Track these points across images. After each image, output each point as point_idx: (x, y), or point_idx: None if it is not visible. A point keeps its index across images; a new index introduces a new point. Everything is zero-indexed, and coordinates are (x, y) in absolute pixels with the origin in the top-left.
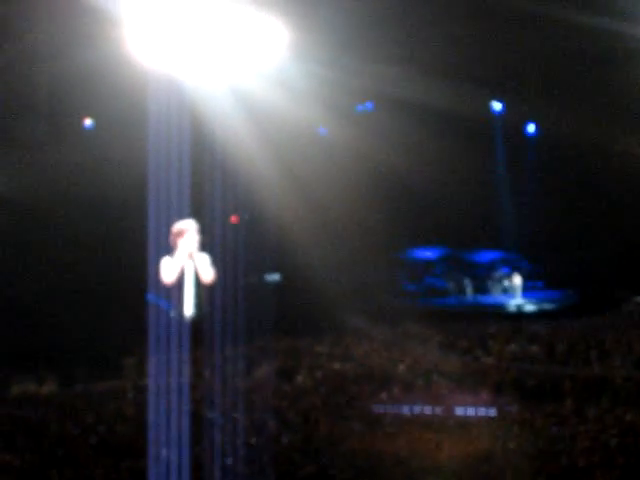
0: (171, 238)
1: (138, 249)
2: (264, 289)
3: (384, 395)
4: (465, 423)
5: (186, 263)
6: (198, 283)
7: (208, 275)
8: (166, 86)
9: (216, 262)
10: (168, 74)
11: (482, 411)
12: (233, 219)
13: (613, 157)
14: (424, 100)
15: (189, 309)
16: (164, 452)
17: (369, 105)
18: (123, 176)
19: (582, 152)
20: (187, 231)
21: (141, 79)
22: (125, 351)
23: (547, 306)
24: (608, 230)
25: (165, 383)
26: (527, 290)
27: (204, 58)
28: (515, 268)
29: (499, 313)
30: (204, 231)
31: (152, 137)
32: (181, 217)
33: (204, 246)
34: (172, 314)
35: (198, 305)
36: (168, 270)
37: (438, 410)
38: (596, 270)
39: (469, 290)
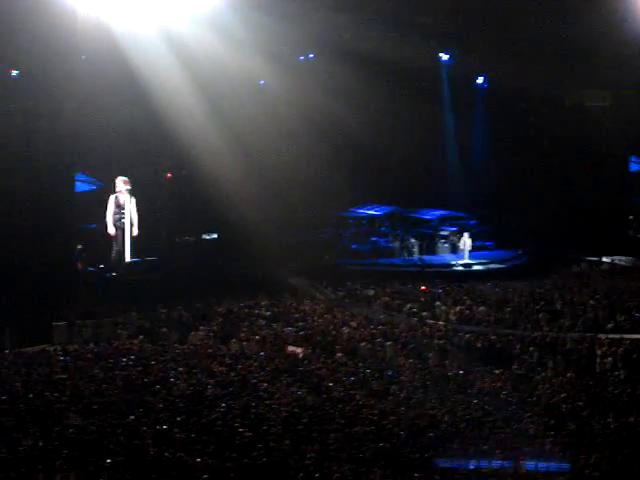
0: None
1: (71, 204)
2: (201, 248)
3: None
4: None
5: (123, 219)
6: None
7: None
8: (99, 32)
9: (150, 219)
10: (101, 19)
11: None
12: (169, 175)
13: (565, 112)
14: (371, 51)
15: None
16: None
17: (311, 55)
18: (53, 129)
19: (533, 107)
20: (123, 187)
21: (73, 24)
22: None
23: (496, 266)
24: (560, 189)
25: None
26: (476, 249)
27: (138, 2)
28: (464, 227)
29: (447, 273)
30: (140, 187)
31: (85, 87)
32: (118, 173)
33: (139, 202)
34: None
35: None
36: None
37: (383, 372)
38: (546, 230)
39: (416, 249)
